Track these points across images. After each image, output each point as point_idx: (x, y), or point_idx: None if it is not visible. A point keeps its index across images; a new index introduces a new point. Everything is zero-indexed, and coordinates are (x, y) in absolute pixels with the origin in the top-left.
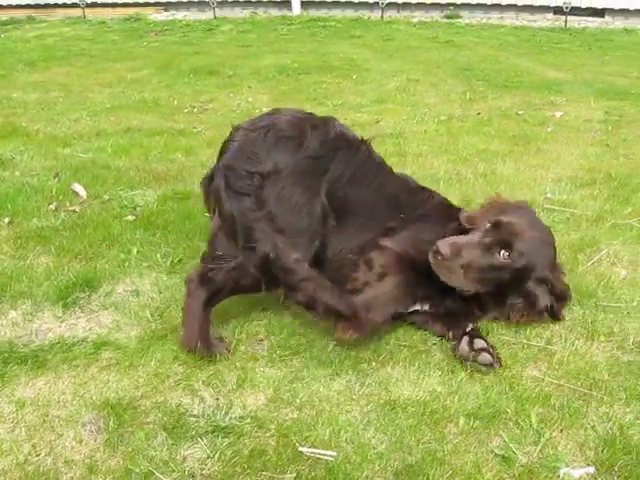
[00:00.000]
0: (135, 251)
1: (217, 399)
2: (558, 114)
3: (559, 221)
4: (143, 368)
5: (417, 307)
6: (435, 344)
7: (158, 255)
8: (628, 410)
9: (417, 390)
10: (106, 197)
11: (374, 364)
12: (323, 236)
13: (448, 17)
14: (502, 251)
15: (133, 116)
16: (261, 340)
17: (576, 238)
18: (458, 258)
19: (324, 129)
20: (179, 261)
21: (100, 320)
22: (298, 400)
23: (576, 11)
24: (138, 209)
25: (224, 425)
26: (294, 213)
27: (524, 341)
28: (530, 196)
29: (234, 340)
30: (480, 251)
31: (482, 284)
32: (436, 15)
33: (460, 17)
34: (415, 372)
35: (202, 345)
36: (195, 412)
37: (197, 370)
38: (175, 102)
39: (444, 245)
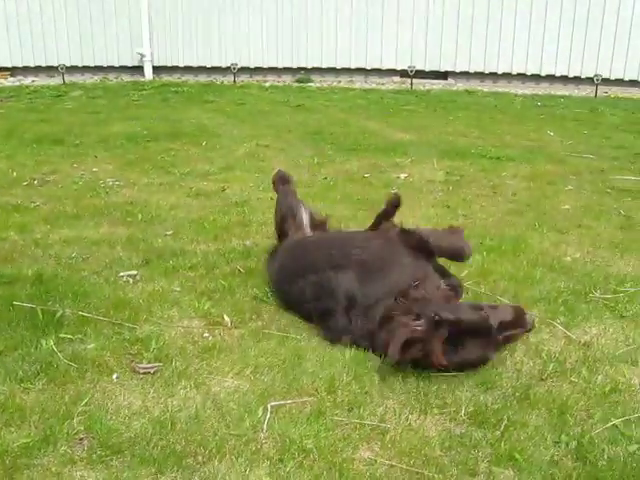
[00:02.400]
0: None
1: None
2: (403, 176)
3: None
4: None
5: None
6: (266, 431)
7: None
8: None
9: None
10: None
11: (200, 458)
12: None
13: (299, 81)
14: None
15: None
16: (81, 439)
17: None
18: None
19: None
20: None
21: None
22: None
23: (421, 74)
24: None
25: None
26: None
27: (357, 420)
28: None
29: (52, 440)
30: None
31: None
32: (288, 79)
33: (312, 81)
34: (243, 464)
35: None
36: None
37: None
38: (14, 174)
39: None
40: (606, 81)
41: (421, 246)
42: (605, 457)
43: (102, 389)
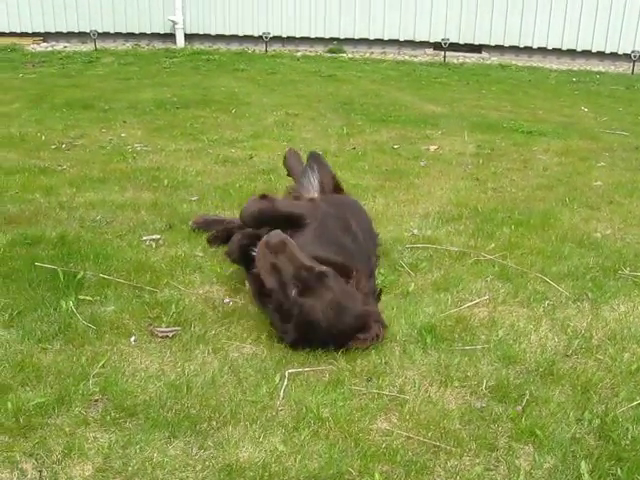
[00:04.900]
0: None
1: (40, 471)
2: (432, 148)
3: (423, 258)
4: None
5: None
6: (282, 398)
7: None
8: (477, 461)
9: (258, 451)
10: None
11: (214, 423)
12: None
13: (332, 51)
14: None
15: None
16: (96, 401)
17: (439, 276)
18: None
19: None
20: (18, 313)
21: None
22: (130, 468)
23: (454, 47)
24: None
25: None
26: None
27: (375, 390)
28: (397, 232)
29: (67, 401)
30: None
31: None
32: (320, 49)
33: (344, 52)
34: (257, 430)
35: None
36: None
37: (21, 439)
38: (43, 137)
39: None
40: None
41: None
42: (629, 436)
43: (119, 351)
